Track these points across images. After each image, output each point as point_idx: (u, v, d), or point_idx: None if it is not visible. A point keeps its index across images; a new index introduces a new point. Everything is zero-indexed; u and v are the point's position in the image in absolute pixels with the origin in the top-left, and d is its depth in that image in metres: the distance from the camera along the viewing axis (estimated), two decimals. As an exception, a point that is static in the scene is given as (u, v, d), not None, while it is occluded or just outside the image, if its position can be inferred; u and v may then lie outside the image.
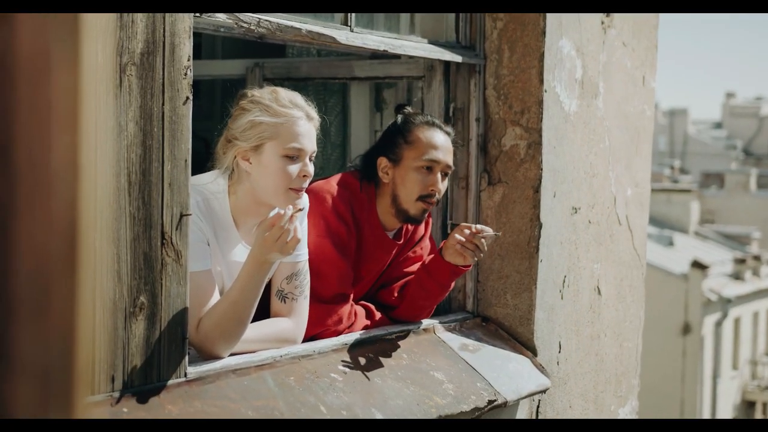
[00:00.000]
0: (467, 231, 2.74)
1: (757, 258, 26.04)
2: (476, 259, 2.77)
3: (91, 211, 0.76)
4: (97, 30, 0.78)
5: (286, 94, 2.46)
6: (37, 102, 0.69)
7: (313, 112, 2.48)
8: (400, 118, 2.92)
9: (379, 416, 2.48)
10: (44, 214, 0.68)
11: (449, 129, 2.95)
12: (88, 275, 0.76)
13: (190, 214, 2.19)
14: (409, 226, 3.02)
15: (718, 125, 52.24)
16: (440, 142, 2.86)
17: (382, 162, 2.88)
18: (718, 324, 23.50)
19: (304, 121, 2.44)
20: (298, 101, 2.46)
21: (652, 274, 17.00)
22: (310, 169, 2.44)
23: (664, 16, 3.93)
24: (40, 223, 0.69)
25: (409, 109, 2.95)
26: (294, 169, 2.40)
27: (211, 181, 2.46)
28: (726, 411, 24.09)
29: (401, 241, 3.01)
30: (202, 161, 2.61)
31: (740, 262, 25.28)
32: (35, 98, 0.69)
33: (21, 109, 0.68)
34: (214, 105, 5.10)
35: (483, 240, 2.73)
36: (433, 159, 2.83)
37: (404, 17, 3.50)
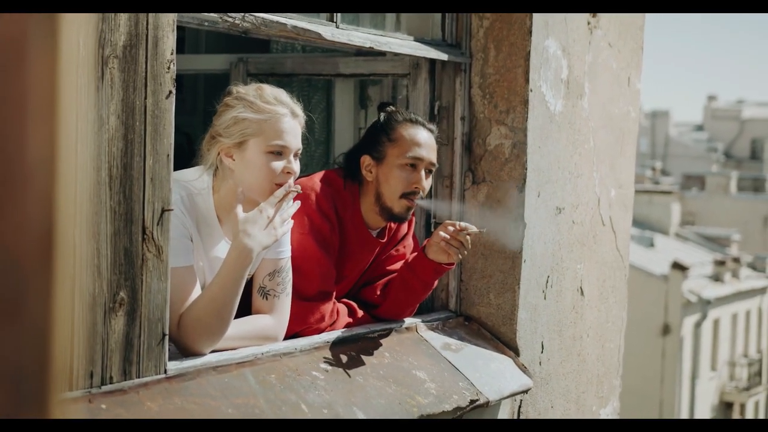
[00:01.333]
0: (451, 228, 2.73)
1: (736, 260, 26.22)
2: (460, 256, 2.76)
3: (71, 206, 0.74)
4: (79, 21, 0.75)
5: (271, 91, 2.44)
6: (12, 93, 0.66)
7: (299, 110, 2.46)
8: (383, 116, 2.91)
9: (360, 415, 2.46)
10: (19, 210, 0.66)
11: (432, 126, 2.94)
12: (66, 271, 0.74)
13: (172, 210, 2.16)
14: (393, 225, 3.00)
15: (700, 128, 52.51)
16: (424, 139, 2.85)
17: (366, 160, 2.86)
18: (698, 325, 23.65)
19: (289, 118, 2.42)
20: (283, 98, 2.44)
21: (632, 274, 17.07)
22: (295, 167, 2.42)
23: (648, 18, 3.93)
24: (15, 220, 0.66)
25: (391, 107, 2.94)
26: (278, 165, 2.38)
27: (197, 178, 2.44)
28: (704, 412, 24.23)
29: (385, 240, 2.99)
30: (185, 156, 2.58)
31: (720, 263, 25.44)
32: (9, 89, 0.66)
33: (-7, 100, 0.66)
34: (198, 100, 5.07)
35: (467, 237, 2.73)
36: (416, 156, 2.82)
37: (390, 14, 3.49)
